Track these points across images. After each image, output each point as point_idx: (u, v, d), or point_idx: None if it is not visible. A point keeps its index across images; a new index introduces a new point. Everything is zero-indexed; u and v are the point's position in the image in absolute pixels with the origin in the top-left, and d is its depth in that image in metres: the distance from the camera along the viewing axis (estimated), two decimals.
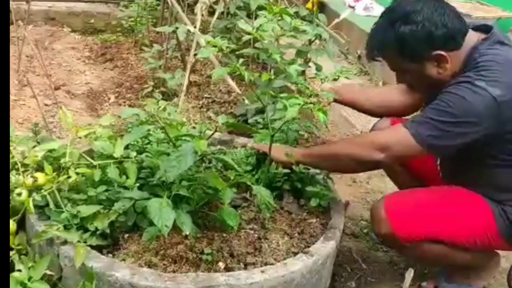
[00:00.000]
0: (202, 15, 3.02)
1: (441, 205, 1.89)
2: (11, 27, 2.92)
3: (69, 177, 1.72)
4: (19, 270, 1.60)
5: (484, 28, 1.83)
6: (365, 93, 2.32)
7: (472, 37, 1.78)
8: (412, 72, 1.83)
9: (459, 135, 1.70)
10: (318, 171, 2.10)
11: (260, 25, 1.97)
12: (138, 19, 4.16)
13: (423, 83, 1.86)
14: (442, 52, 1.73)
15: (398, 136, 1.77)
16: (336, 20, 2.85)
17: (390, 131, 1.85)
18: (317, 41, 2.90)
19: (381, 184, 2.86)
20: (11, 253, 1.68)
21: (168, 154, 1.82)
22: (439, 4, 1.74)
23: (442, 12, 1.71)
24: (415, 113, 2.13)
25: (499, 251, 2.13)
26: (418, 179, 2.20)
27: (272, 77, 1.93)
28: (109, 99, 3.39)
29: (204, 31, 3.19)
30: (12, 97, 3.06)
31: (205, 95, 3.46)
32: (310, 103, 1.78)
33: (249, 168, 2.03)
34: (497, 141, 1.75)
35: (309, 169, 2.05)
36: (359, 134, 1.96)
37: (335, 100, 2.09)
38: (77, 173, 1.74)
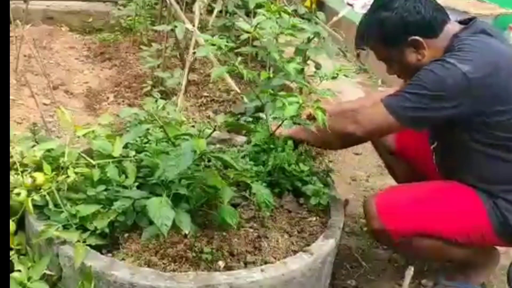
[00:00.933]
0: (201, 13, 3.02)
1: (433, 200, 1.90)
2: None
3: (68, 176, 1.72)
4: (19, 270, 1.61)
5: (468, 21, 1.89)
6: None
7: (455, 28, 1.85)
8: (395, 61, 1.91)
9: (428, 108, 1.76)
10: (318, 169, 2.10)
11: (259, 24, 1.97)
12: (136, 17, 4.15)
13: (408, 72, 1.90)
14: (418, 37, 1.81)
15: (371, 108, 1.85)
16: (335, 18, 2.85)
17: (366, 105, 1.92)
18: (316, 39, 2.90)
19: (380, 182, 2.86)
20: (11, 253, 1.68)
21: (167, 153, 1.82)
22: None
23: (416, 1, 1.81)
24: None
25: (499, 248, 2.13)
26: (419, 175, 2.20)
27: (271, 75, 1.93)
28: (107, 98, 3.38)
29: (202, 29, 3.19)
30: (10, 97, 3.06)
31: (204, 94, 3.46)
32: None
33: (248, 166, 2.02)
34: (477, 123, 1.79)
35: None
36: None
37: None
38: (76, 173, 1.74)
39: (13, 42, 3.24)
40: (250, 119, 2.64)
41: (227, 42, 1.88)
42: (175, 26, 2.97)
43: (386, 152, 2.34)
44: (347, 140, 1.98)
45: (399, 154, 2.28)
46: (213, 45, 1.84)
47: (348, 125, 1.88)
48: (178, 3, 3.26)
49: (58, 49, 4.02)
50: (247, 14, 3.73)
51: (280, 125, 2.03)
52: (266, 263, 1.69)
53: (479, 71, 1.71)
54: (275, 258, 1.73)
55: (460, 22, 1.90)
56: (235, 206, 1.88)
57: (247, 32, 1.96)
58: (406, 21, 1.80)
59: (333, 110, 2.04)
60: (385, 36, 1.85)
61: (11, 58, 3.24)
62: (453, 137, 1.88)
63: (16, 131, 2.20)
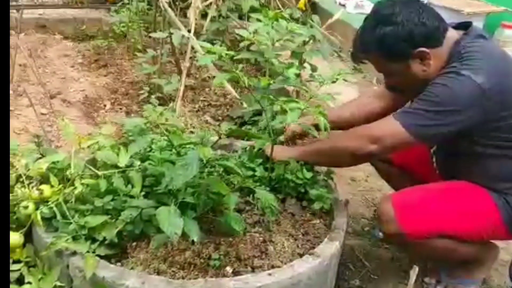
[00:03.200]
0: (195, 18, 3.02)
1: (448, 200, 1.91)
2: None
3: (75, 188, 1.74)
4: (29, 283, 1.63)
5: (464, 25, 1.90)
6: (345, 110, 2.30)
7: (454, 34, 1.86)
8: (399, 73, 1.89)
9: (446, 123, 1.76)
10: (319, 173, 2.12)
11: (256, 30, 1.99)
12: (130, 24, 4.14)
13: (412, 84, 1.90)
14: (424, 49, 1.81)
15: (388, 127, 1.83)
16: (329, 21, 2.87)
17: (381, 123, 1.89)
18: (311, 42, 2.92)
19: (379, 182, 2.87)
20: (20, 265, 1.70)
21: (171, 162, 1.84)
22: (416, 5, 1.83)
23: (419, 12, 1.80)
24: None
25: (498, 244, 2.17)
26: (414, 179, 2.21)
27: (271, 82, 1.94)
28: (105, 106, 3.38)
29: (197, 34, 3.20)
30: None
31: (201, 99, 3.47)
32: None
33: (250, 173, 2.04)
34: (483, 129, 1.80)
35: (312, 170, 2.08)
36: (352, 128, 2.01)
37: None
38: (83, 184, 1.75)
39: None
40: (250, 124, 2.66)
41: (221, 46, 1.88)
42: (171, 33, 2.97)
43: (379, 160, 2.32)
44: (363, 158, 1.98)
45: (392, 160, 2.28)
46: (213, 53, 1.85)
47: (366, 145, 1.85)
48: (172, 8, 3.26)
49: (52, 58, 4.01)
50: (240, 17, 3.74)
51: (273, 146, 2.01)
52: (273, 267, 1.71)
53: (491, 80, 1.72)
54: (281, 261, 1.75)
55: (455, 28, 1.90)
56: (239, 211, 1.90)
57: (244, 39, 1.97)
58: (413, 34, 1.78)
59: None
60: (389, 51, 1.83)
61: None
62: (457, 143, 1.88)
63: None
